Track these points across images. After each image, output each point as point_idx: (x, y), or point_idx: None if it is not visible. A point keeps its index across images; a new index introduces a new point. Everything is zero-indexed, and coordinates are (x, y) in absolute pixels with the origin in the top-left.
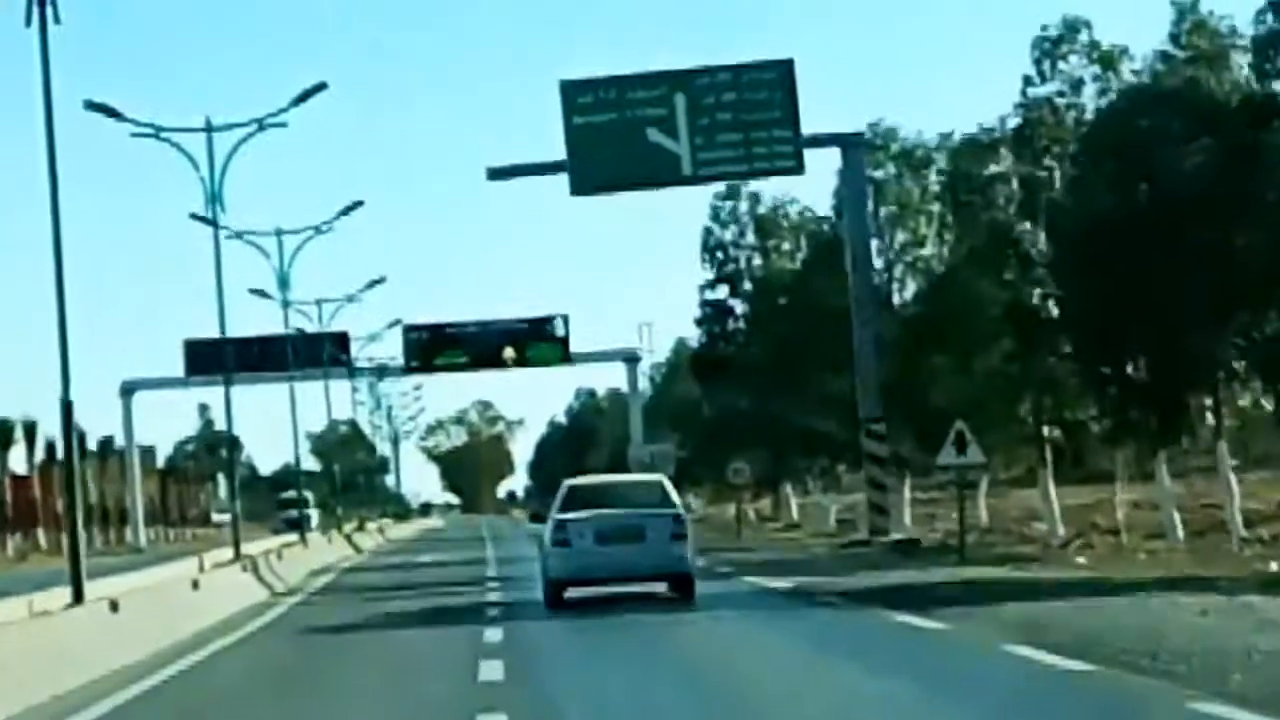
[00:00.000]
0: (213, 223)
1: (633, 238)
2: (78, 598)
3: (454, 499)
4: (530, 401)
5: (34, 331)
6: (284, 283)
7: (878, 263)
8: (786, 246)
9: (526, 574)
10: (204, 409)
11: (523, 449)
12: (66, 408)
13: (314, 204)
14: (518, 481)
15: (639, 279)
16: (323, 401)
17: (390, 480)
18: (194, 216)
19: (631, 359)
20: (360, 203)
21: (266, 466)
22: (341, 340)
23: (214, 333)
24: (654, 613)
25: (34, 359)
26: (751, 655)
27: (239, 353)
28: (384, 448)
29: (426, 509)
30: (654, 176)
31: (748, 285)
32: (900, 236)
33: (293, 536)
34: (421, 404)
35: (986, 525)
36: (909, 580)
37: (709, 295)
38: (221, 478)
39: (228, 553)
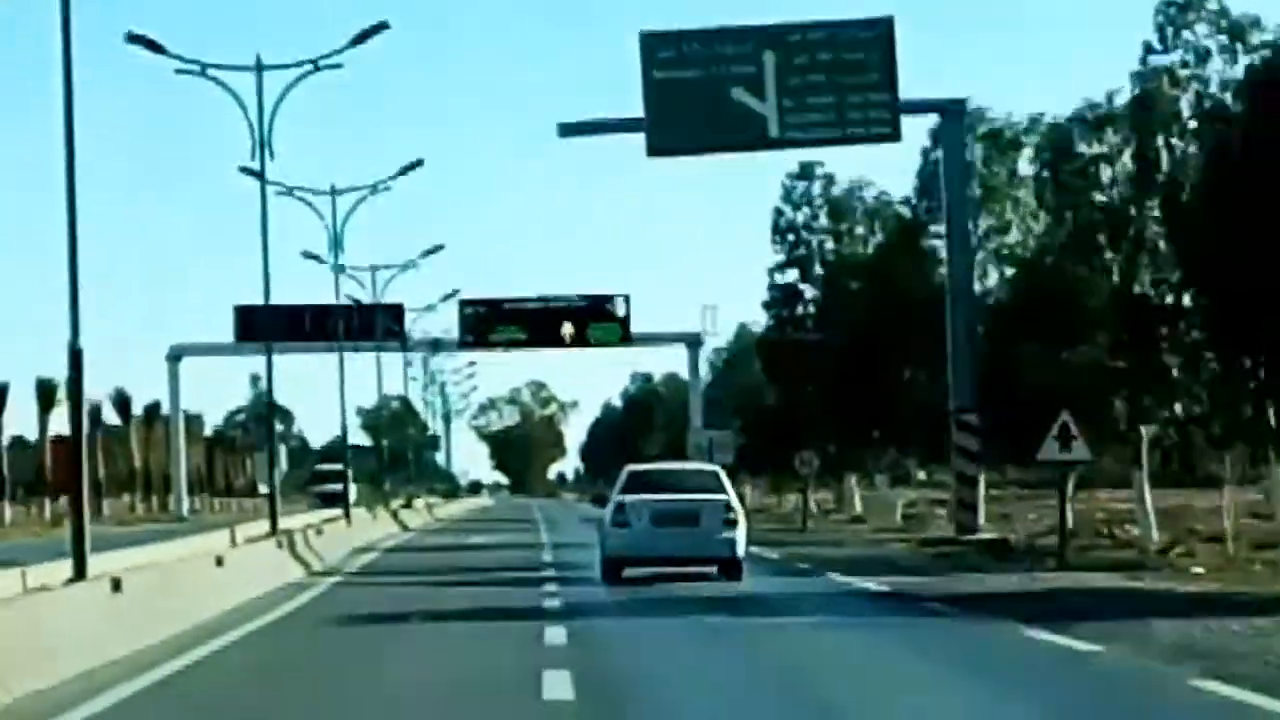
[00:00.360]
0: (260, 175)
1: (699, 216)
2: (79, 573)
3: (503, 479)
4: (585, 383)
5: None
6: (337, 245)
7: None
8: (860, 231)
9: (587, 562)
10: (255, 379)
11: (575, 431)
12: (75, 356)
13: (369, 157)
14: (568, 464)
15: (704, 259)
16: (374, 375)
17: (440, 458)
18: (243, 169)
19: (694, 342)
20: (419, 162)
21: (318, 439)
22: (396, 312)
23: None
24: (742, 615)
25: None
26: (884, 676)
27: (289, 321)
28: (435, 425)
29: (476, 488)
30: (738, 139)
31: (819, 270)
32: (984, 222)
33: (332, 511)
34: (475, 382)
35: (1071, 527)
36: (1018, 587)
37: (778, 279)
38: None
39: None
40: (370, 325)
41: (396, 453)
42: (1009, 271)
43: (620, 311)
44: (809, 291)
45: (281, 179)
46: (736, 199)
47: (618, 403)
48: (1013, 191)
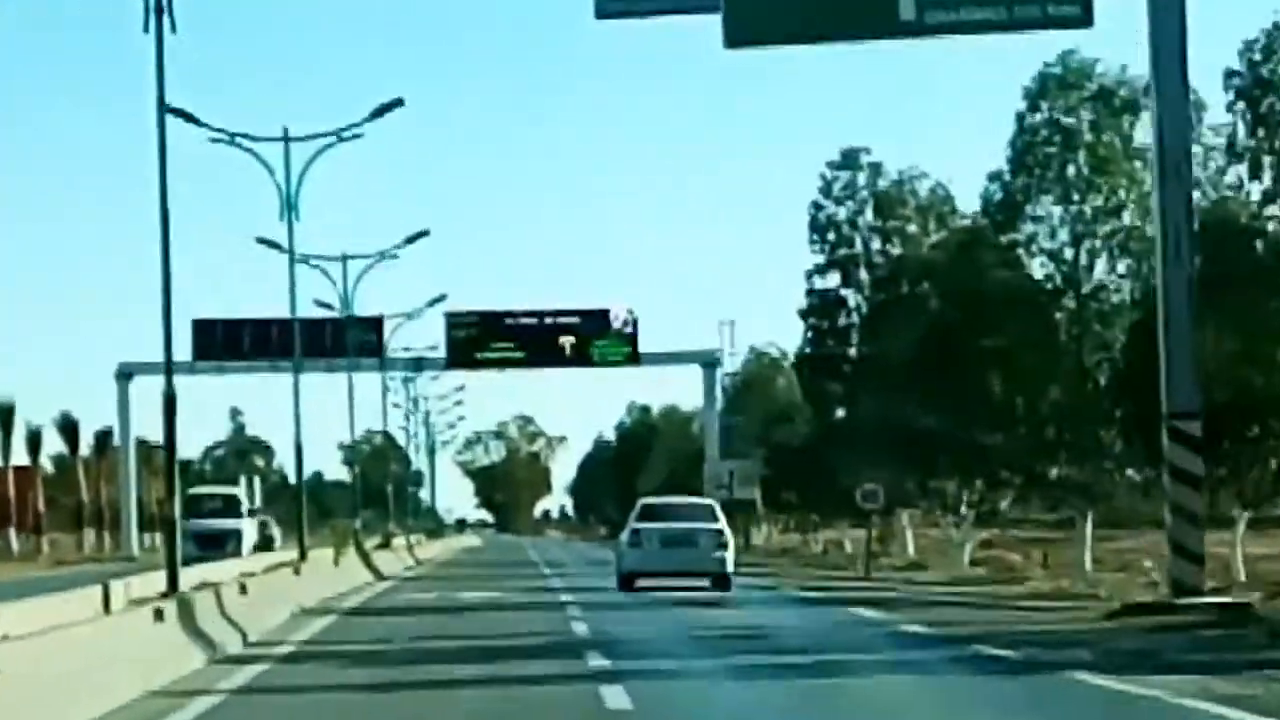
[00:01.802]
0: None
1: (714, 220)
2: None
3: (488, 517)
4: (575, 415)
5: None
6: (290, 204)
7: (1062, 234)
8: (913, 229)
9: (641, 635)
10: (235, 412)
11: (562, 467)
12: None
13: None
14: (554, 501)
15: (721, 269)
16: (355, 395)
17: (424, 494)
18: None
19: (710, 362)
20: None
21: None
22: (375, 325)
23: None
24: None
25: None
26: None
27: (254, 336)
28: (418, 459)
29: (462, 525)
30: (854, 21)
31: (864, 274)
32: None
33: (280, 556)
34: (461, 410)
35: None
36: None
37: (817, 283)
38: (242, 480)
39: (216, 571)
40: (345, 339)
41: (377, 489)
42: None
43: (626, 326)
44: (853, 298)
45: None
46: (761, 196)
47: (611, 436)
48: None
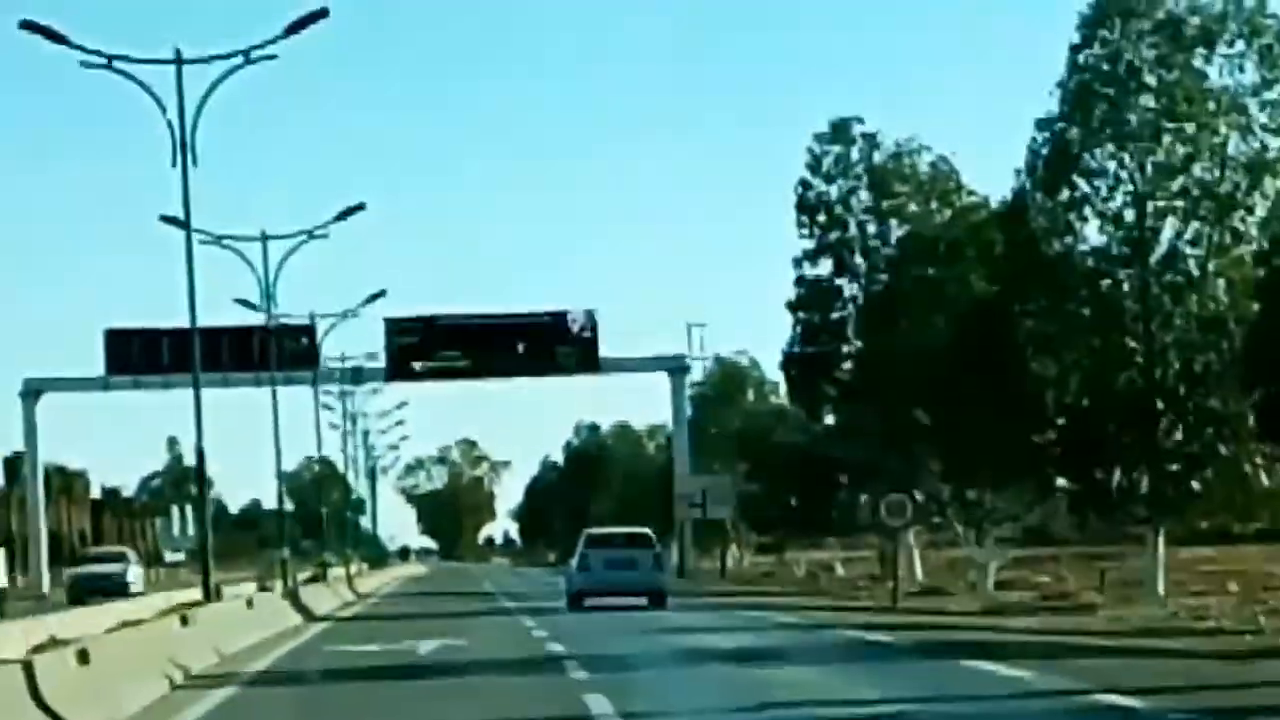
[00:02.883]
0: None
1: (679, 210)
2: None
3: (432, 544)
4: (520, 439)
5: None
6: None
7: (1121, 203)
8: (914, 208)
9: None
10: (173, 442)
11: (508, 492)
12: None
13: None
14: (498, 527)
15: (688, 268)
16: (288, 413)
17: (365, 522)
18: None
19: (677, 368)
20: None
21: (238, 502)
22: (307, 332)
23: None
24: None
25: None
26: None
27: (174, 347)
28: (358, 484)
29: (406, 554)
30: None
31: (859, 260)
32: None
33: (186, 594)
34: (404, 430)
35: None
36: None
37: (808, 271)
38: (174, 510)
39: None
40: (279, 350)
41: (317, 517)
42: None
43: (584, 331)
44: (849, 288)
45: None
46: (737, 178)
47: (559, 457)
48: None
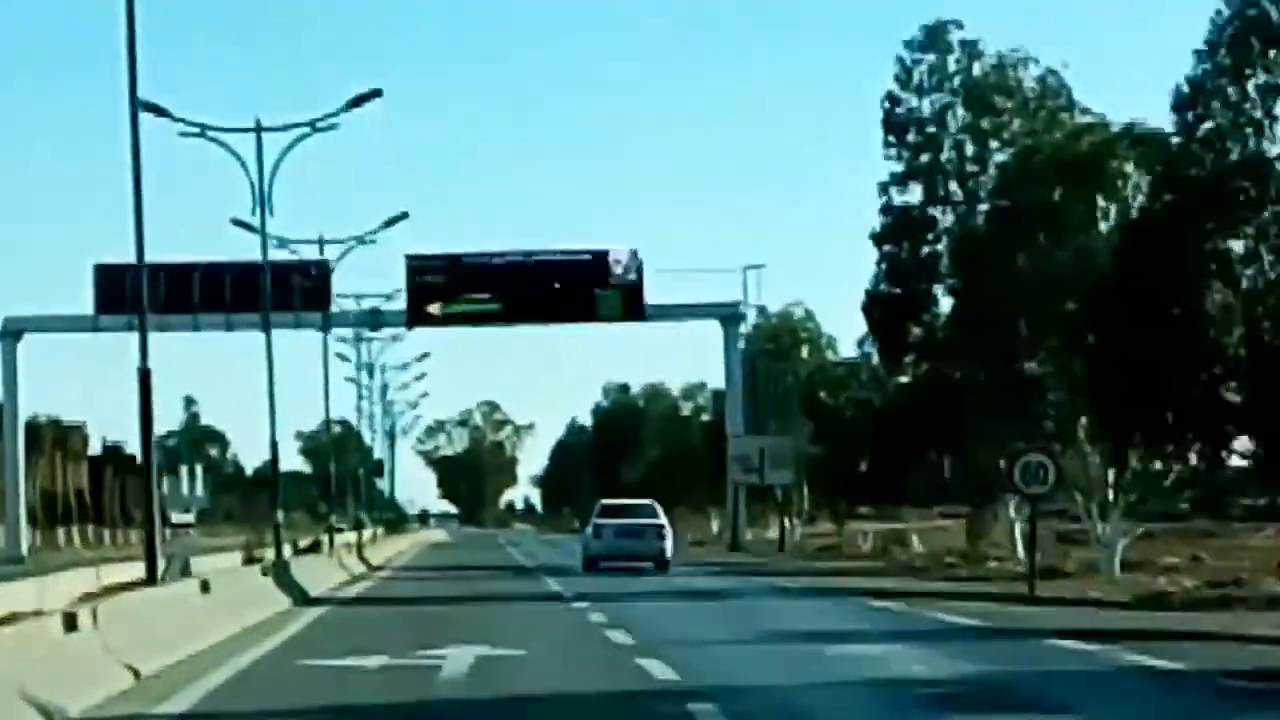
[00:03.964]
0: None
1: (730, 146)
2: None
3: (451, 509)
4: (544, 400)
5: None
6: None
7: None
8: (1017, 125)
9: None
10: (189, 401)
11: (531, 456)
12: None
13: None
14: (519, 493)
15: (739, 204)
16: (300, 360)
17: (384, 486)
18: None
19: (731, 316)
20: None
21: (253, 462)
22: (319, 270)
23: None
24: None
25: None
26: None
27: (170, 285)
28: (376, 444)
29: (425, 518)
30: None
31: (955, 187)
32: None
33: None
34: (424, 385)
35: None
36: None
37: (895, 197)
38: (183, 469)
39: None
40: (286, 289)
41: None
42: None
43: (628, 273)
44: (944, 218)
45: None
46: (798, 104)
47: (586, 420)
48: None
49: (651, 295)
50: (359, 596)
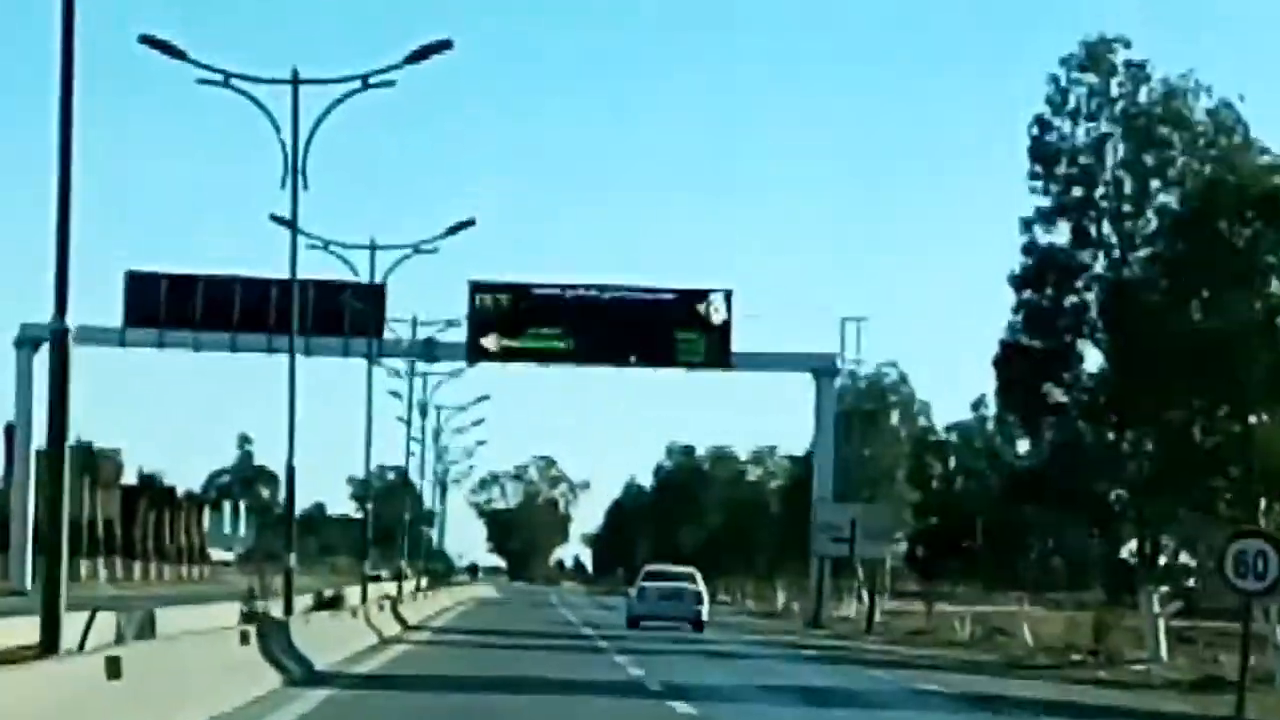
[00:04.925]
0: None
1: (837, 176)
2: None
3: (499, 563)
4: (602, 457)
5: None
6: None
7: None
8: (1180, 162)
9: None
10: (244, 440)
11: (584, 514)
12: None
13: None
14: (569, 551)
15: (843, 249)
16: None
17: (434, 535)
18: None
19: (826, 370)
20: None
21: (305, 502)
22: (374, 295)
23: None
24: None
25: None
26: None
27: (209, 299)
28: (427, 492)
29: (474, 571)
30: None
31: (1107, 230)
32: None
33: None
34: (480, 431)
35: None
36: None
37: (1039, 236)
38: (227, 506)
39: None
40: (334, 312)
41: (386, 527)
42: None
43: (717, 315)
44: (1095, 263)
45: None
46: (926, 130)
47: (645, 480)
48: None
49: (738, 344)
50: (379, 674)
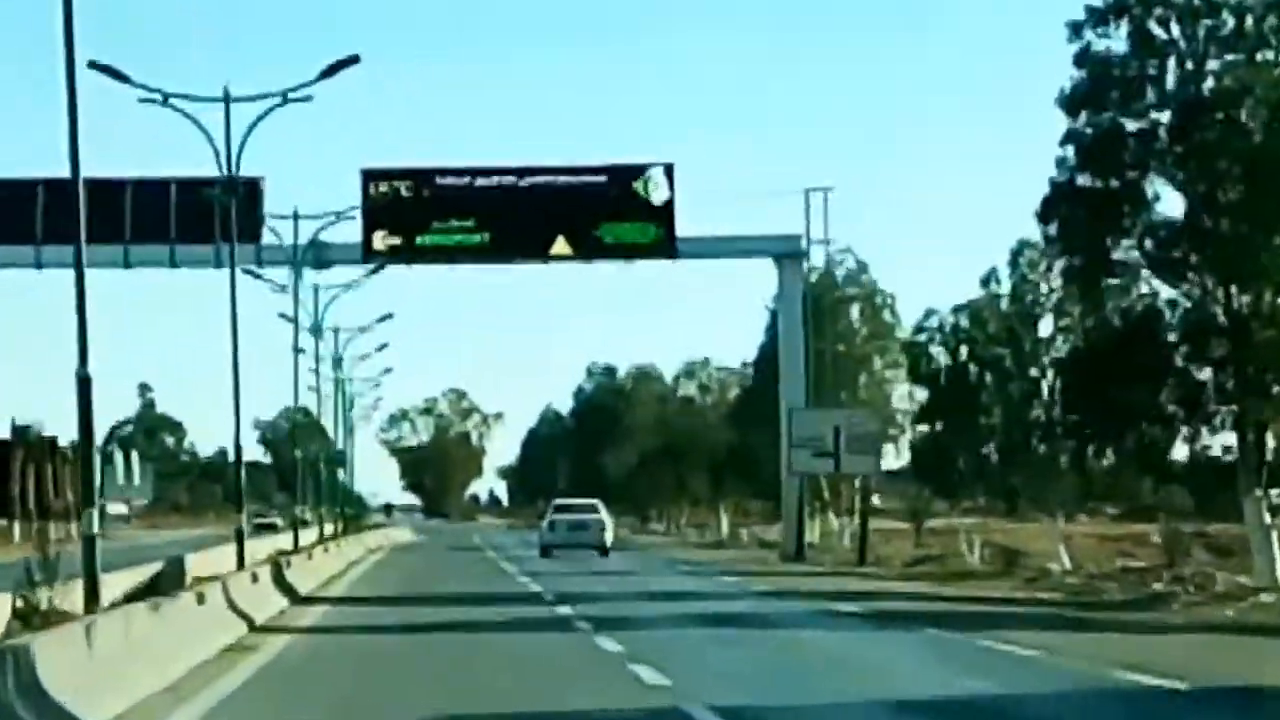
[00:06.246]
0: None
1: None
2: None
3: (414, 501)
4: (515, 386)
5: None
6: None
7: None
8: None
9: None
10: (144, 388)
11: (499, 447)
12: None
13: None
14: (483, 485)
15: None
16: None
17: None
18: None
19: (791, 253)
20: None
21: (209, 449)
22: (249, 191)
23: None
24: None
25: None
26: None
27: (54, 206)
28: (338, 436)
29: (389, 511)
30: None
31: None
32: None
33: None
34: (387, 359)
35: None
36: None
37: (1093, 40)
38: (118, 456)
39: None
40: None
41: (292, 468)
42: None
43: (657, 194)
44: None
45: None
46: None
47: (563, 405)
48: None
49: (684, 228)
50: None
